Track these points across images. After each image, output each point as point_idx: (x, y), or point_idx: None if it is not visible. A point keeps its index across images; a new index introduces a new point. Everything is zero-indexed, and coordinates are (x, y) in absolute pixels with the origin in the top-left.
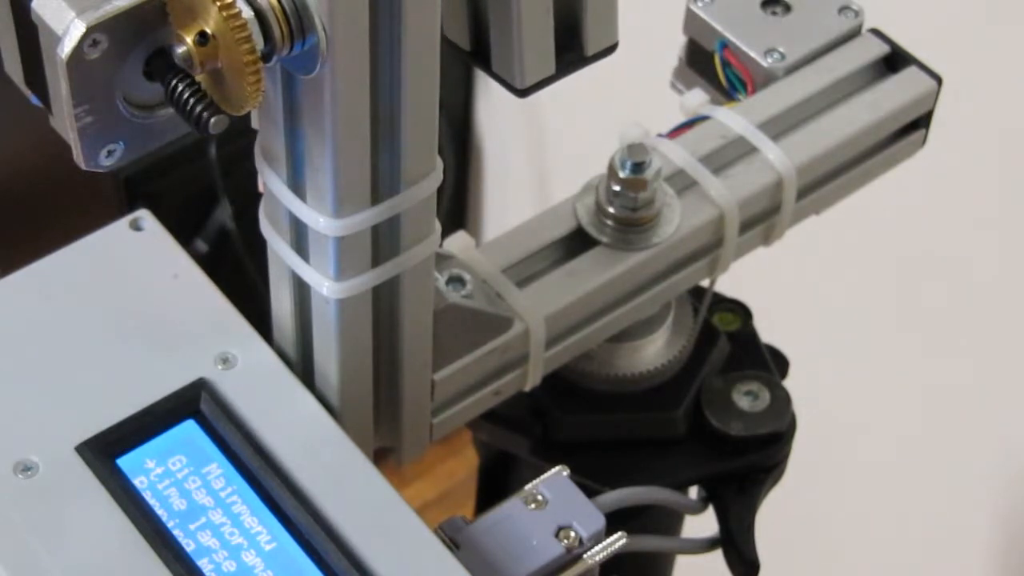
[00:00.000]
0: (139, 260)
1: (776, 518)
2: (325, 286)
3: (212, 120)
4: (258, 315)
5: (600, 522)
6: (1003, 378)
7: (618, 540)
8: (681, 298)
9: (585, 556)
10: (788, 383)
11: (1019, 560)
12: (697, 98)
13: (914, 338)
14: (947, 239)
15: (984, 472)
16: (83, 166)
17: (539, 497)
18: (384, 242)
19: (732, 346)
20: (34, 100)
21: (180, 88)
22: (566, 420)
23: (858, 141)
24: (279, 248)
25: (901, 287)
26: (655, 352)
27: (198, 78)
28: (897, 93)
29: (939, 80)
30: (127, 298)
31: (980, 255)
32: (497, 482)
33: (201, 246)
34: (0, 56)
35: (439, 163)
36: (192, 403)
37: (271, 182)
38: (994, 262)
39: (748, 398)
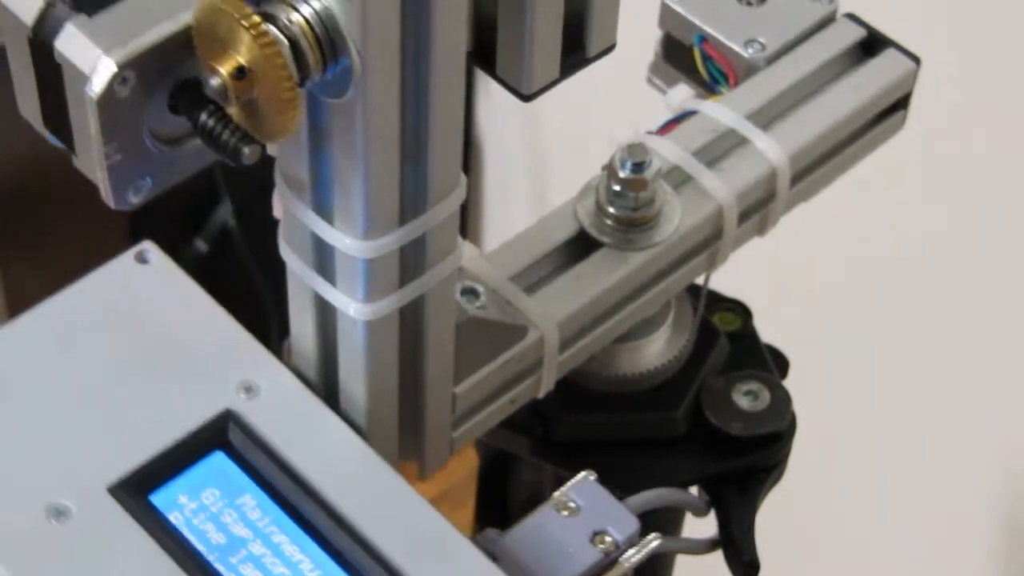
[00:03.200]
0: (149, 293)
1: (776, 518)
2: (354, 308)
3: (247, 151)
4: (260, 314)
5: (634, 525)
6: (1004, 377)
7: (653, 541)
8: (681, 298)
9: (621, 559)
10: (788, 383)
11: (1020, 561)
12: (682, 93)
13: (914, 338)
14: (947, 239)
15: (985, 471)
16: (112, 206)
17: (571, 504)
18: (410, 260)
19: (732, 346)
20: (53, 141)
21: (210, 121)
22: (566, 420)
23: (845, 125)
24: (302, 272)
25: (901, 287)
26: (655, 352)
27: (229, 109)
28: (879, 75)
29: (917, 61)
30: (142, 333)
31: (980, 254)
32: (497, 482)
33: (201, 246)
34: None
35: (463, 178)
36: (220, 435)
37: (294, 207)
38: (994, 261)
39: (748, 398)
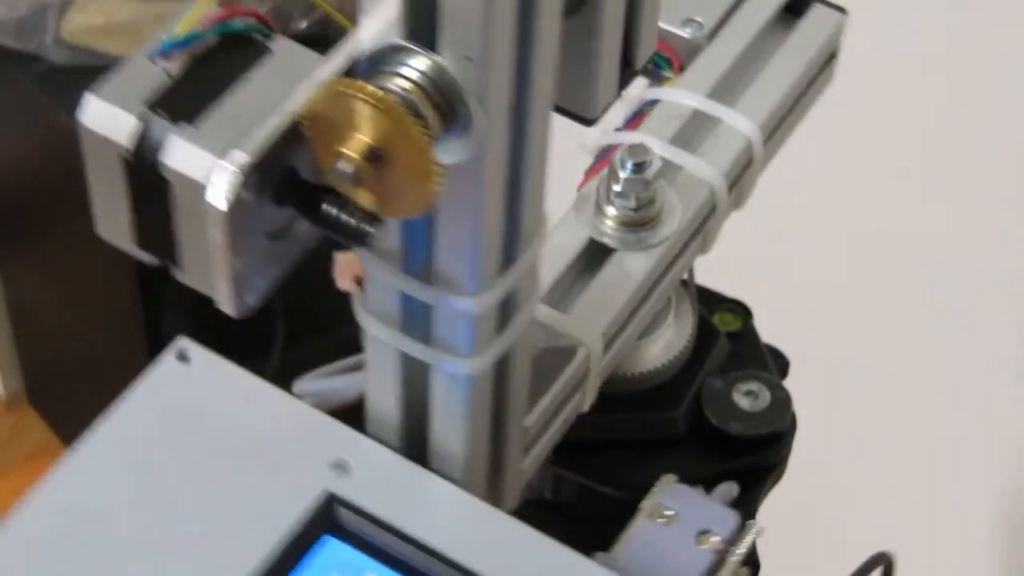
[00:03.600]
0: (203, 393)
1: (776, 518)
2: (459, 364)
3: (372, 230)
4: (268, 315)
5: (735, 519)
6: (1004, 377)
7: (754, 528)
8: (681, 298)
9: (728, 555)
10: (788, 383)
11: (1020, 560)
12: (636, 85)
13: (915, 337)
14: (946, 239)
15: (986, 471)
16: (235, 314)
17: (667, 511)
18: (505, 307)
19: (732, 346)
20: (146, 260)
21: (331, 208)
22: None
23: (798, 86)
24: (389, 338)
25: (902, 287)
26: (656, 352)
27: (353, 192)
28: (815, 32)
29: (843, 11)
30: (212, 435)
31: (979, 254)
32: None
33: None
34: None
35: (546, 217)
36: (326, 519)
37: (380, 274)
38: (994, 261)
39: (748, 398)
